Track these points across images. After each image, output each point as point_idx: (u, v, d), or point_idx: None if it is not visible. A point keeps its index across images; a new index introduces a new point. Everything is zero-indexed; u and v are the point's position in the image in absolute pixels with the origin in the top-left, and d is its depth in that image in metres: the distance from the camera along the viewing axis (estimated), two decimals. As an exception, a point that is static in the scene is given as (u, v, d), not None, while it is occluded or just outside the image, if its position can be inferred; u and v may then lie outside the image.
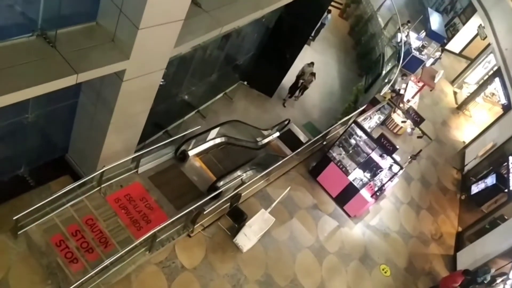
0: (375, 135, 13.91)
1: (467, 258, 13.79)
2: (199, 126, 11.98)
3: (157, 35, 7.36)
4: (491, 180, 16.08)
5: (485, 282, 12.98)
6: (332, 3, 22.58)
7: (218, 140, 12.88)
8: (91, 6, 7.15)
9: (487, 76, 21.58)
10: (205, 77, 13.67)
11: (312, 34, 19.20)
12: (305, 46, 17.46)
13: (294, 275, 11.38)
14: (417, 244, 14.36)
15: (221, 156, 12.92)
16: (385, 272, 12.97)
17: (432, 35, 20.30)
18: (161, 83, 9.39)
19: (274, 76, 16.43)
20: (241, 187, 11.46)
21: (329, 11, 20.06)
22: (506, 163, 15.97)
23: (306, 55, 18.05)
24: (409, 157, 14.07)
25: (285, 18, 14.67)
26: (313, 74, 16.49)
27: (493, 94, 21.42)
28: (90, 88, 8.35)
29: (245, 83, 16.72)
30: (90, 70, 6.70)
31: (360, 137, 13.68)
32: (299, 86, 16.73)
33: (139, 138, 10.26)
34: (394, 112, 17.10)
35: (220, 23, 9.26)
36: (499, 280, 13.01)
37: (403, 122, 16.98)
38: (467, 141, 19.45)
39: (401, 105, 17.20)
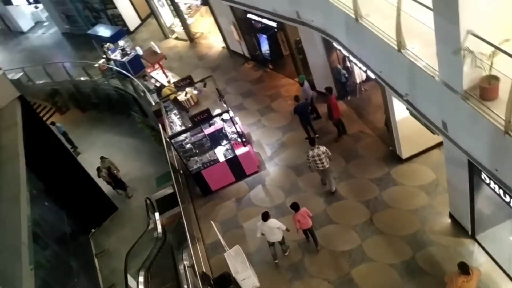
0: (189, 123, 14.23)
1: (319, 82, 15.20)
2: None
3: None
4: (264, 40, 17.58)
5: (346, 76, 14.55)
6: (45, 115, 22.03)
7: (141, 279, 12.16)
8: None
9: (168, 7, 23.05)
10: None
11: (69, 147, 18.54)
12: (78, 157, 16.96)
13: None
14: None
15: (157, 281, 12.30)
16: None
17: (115, 38, 20.74)
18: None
19: (96, 200, 15.83)
20: (195, 268, 11.11)
21: (53, 123, 19.45)
22: (251, 22, 17.48)
23: (89, 159, 17.51)
24: (219, 100, 14.71)
25: (37, 174, 13.90)
26: (102, 159, 16.25)
27: (189, 6, 22.87)
28: None
29: (93, 230, 15.86)
30: None
31: (186, 137, 13.92)
32: (115, 178, 16.35)
33: None
34: (175, 97, 17.53)
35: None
36: (349, 64, 14.59)
37: (186, 94, 17.54)
38: (223, 44, 20.78)
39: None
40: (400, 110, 10.87)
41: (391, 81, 9.87)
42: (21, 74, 23.61)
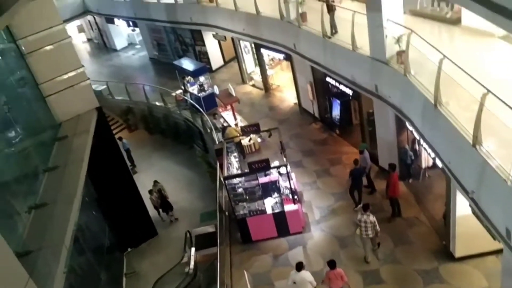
0: (246, 168, 14.37)
1: (383, 158, 14.94)
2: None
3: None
4: (336, 105, 17.72)
5: (413, 158, 14.20)
6: (115, 129, 23.06)
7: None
8: None
9: (252, 55, 23.95)
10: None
11: (129, 164, 19.23)
12: (134, 176, 17.48)
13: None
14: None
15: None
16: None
17: (197, 74, 21.79)
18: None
19: (140, 221, 16.17)
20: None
21: (120, 138, 20.33)
22: (328, 85, 17.73)
23: (144, 180, 18.03)
24: (280, 152, 14.80)
25: (94, 183, 14.49)
26: (155, 183, 16.75)
27: (272, 58, 23.65)
28: None
29: (129, 249, 16.14)
30: None
31: (240, 181, 14.01)
32: (164, 199, 16.79)
33: None
34: (240, 141, 17.87)
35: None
36: (417, 147, 14.32)
37: (250, 140, 17.87)
38: (295, 100, 21.12)
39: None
40: (462, 206, 10.38)
41: (459, 175, 9.51)
42: (104, 87, 25.34)
